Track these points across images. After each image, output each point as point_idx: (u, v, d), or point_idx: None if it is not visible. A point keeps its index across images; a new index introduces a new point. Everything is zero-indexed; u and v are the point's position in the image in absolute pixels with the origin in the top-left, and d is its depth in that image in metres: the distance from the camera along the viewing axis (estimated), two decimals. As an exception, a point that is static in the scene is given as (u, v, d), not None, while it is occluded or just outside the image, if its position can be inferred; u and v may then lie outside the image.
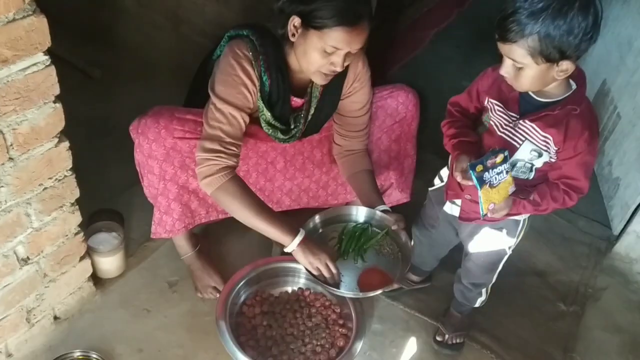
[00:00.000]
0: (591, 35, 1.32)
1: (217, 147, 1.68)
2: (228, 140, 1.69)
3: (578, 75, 1.49)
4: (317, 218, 1.89)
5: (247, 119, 1.74)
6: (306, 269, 1.75)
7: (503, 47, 1.39)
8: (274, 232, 1.71)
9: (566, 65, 1.37)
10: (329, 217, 1.92)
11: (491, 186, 1.49)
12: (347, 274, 1.82)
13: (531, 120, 1.50)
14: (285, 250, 1.73)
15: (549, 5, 1.29)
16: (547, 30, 1.30)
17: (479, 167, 1.46)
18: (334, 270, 1.73)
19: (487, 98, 1.61)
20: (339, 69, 1.68)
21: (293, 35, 1.66)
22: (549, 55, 1.33)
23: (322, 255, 1.72)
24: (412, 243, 2.06)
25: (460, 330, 2.03)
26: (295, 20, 1.62)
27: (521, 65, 1.38)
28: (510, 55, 1.38)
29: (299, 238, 1.70)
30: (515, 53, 1.36)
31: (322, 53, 1.63)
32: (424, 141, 2.23)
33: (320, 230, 1.90)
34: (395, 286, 1.83)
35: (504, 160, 1.49)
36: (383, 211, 1.87)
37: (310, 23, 1.60)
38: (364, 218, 1.91)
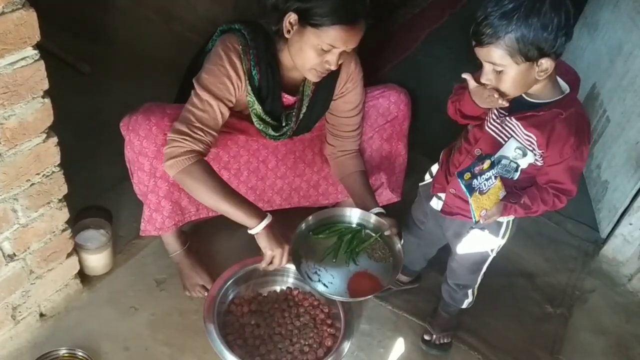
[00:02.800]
0: (565, 31, 1.34)
1: (184, 129, 1.66)
2: (197, 124, 1.67)
3: (573, 80, 1.50)
4: (310, 219, 1.88)
5: (226, 111, 1.73)
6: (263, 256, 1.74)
7: (480, 52, 1.39)
8: (239, 214, 1.68)
9: (546, 64, 1.37)
10: (322, 218, 1.91)
11: (481, 193, 1.50)
12: (338, 276, 1.81)
13: (517, 119, 1.50)
14: (250, 232, 1.70)
15: (520, 4, 1.30)
16: (521, 28, 1.31)
17: (467, 175, 1.47)
18: (284, 264, 1.74)
19: None
20: (333, 68, 1.68)
21: (288, 32, 1.65)
22: (527, 53, 1.34)
23: (284, 245, 1.72)
24: (402, 243, 2.07)
25: (447, 330, 2.04)
26: (292, 17, 1.62)
27: (501, 67, 1.38)
28: (488, 58, 1.39)
29: (265, 222, 1.69)
30: (493, 55, 1.37)
31: (318, 51, 1.63)
32: (415, 141, 2.23)
33: (312, 230, 1.89)
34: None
35: (492, 166, 1.49)
36: (378, 214, 1.88)
37: (307, 20, 1.60)
38: (358, 220, 1.91)
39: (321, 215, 1.92)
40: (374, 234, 1.89)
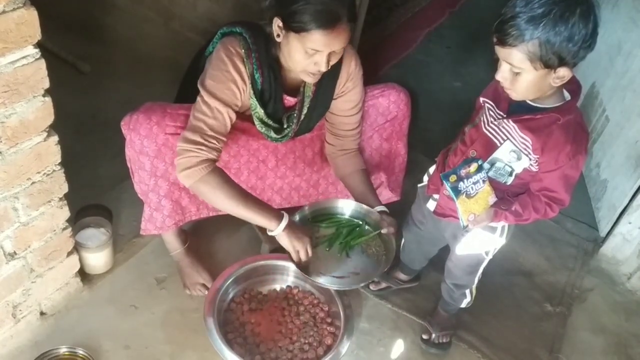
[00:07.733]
0: (590, 43, 1.33)
1: (198, 139, 1.67)
2: (210, 133, 1.68)
3: (574, 90, 1.49)
4: (306, 209, 1.92)
5: (234, 116, 1.74)
6: (288, 253, 1.79)
7: (501, 51, 1.38)
8: (259, 218, 1.73)
9: (563, 72, 1.37)
10: (322, 207, 1.95)
11: (468, 196, 1.48)
12: (328, 265, 1.83)
13: (514, 121, 1.50)
14: (270, 234, 1.75)
15: (550, 10, 1.28)
16: (547, 36, 1.30)
17: (453, 177, 1.45)
18: (310, 254, 1.78)
19: (481, 98, 1.61)
20: (323, 69, 1.67)
21: (278, 36, 1.66)
22: (547, 61, 1.33)
23: (305, 239, 1.77)
24: (402, 243, 2.07)
25: (447, 329, 2.04)
26: (278, 22, 1.63)
27: (519, 70, 1.37)
28: (508, 59, 1.37)
29: (284, 223, 1.73)
30: (514, 57, 1.36)
31: (304, 54, 1.63)
32: (414, 141, 2.23)
33: (313, 218, 1.93)
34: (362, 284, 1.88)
35: (479, 170, 1.47)
36: (380, 212, 1.88)
37: (289, 26, 1.60)
38: (359, 215, 1.93)
39: (322, 204, 1.96)
40: (373, 230, 1.90)
